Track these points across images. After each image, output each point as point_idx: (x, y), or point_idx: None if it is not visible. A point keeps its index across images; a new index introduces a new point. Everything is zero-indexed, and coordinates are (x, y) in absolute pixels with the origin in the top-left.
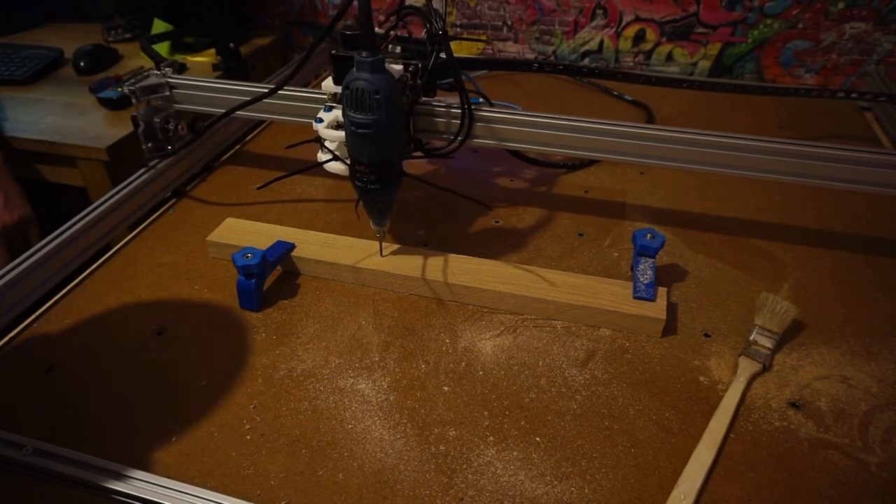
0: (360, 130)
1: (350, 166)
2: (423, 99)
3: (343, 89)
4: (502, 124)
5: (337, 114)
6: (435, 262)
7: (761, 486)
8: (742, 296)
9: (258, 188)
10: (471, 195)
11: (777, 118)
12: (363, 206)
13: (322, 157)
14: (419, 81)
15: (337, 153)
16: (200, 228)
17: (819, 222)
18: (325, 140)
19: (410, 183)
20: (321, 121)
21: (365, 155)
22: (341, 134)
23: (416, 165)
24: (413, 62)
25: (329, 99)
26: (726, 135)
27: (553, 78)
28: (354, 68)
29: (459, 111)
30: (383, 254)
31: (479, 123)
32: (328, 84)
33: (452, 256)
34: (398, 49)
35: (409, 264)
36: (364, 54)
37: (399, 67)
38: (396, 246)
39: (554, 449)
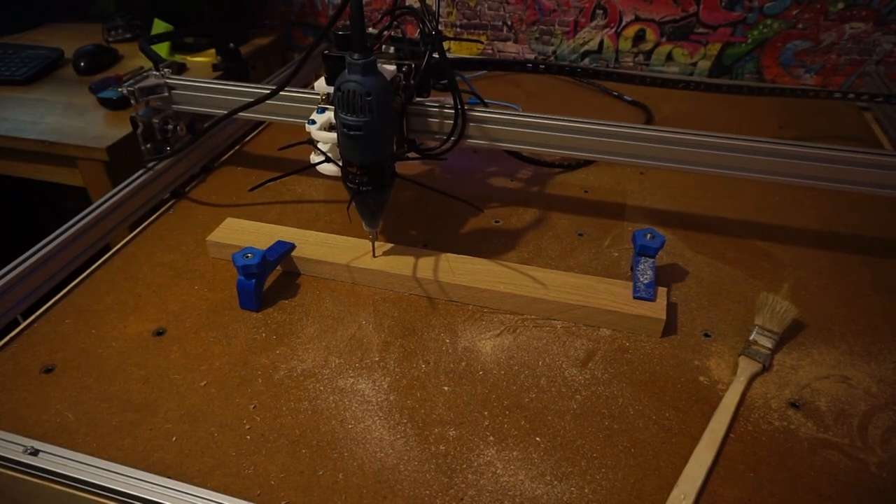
0: (351, 132)
1: (342, 168)
2: (417, 99)
3: (335, 91)
4: (496, 125)
5: (329, 115)
6: (435, 263)
7: (761, 486)
8: (742, 296)
9: (250, 190)
10: (462, 196)
11: (777, 118)
12: (355, 207)
13: (315, 158)
14: (412, 82)
15: (329, 155)
16: (200, 228)
17: (819, 222)
18: (317, 142)
19: (408, 183)
20: (314, 122)
21: (357, 157)
22: (333, 136)
23: (412, 165)
24: (406, 63)
25: (322, 100)
26: (725, 136)
27: (553, 78)
28: (346, 70)
29: (453, 111)
30: (376, 255)
31: (472, 124)
32: (321, 85)
33: (452, 257)
34: (392, 49)
35: (408, 264)
36: (355, 56)
37: (392, 68)
38: (396, 246)
39: (554, 449)
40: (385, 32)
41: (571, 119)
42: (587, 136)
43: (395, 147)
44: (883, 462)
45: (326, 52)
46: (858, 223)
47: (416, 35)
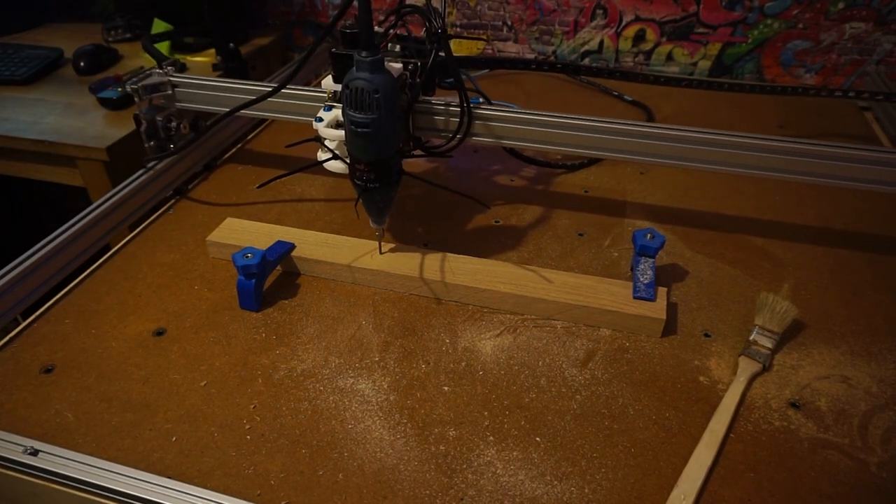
0: (359, 129)
1: (350, 165)
2: (423, 97)
3: (343, 88)
4: (501, 122)
5: (337, 113)
6: (435, 262)
7: (761, 486)
8: (742, 296)
9: (258, 187)
10: (469, 194)
11: (777, 118)
12: (362, 204)
13: (322, 156)
14: (418, 80)
15: (337, 152)
16: (200, 228)
17: (819, 221)
18: (324, 139)
19: (410, 181)
20: (321, 120)
21: (364, 154)
22: (341, 133)
23: (415, 164)
24: (412, 61)
25: (329, 98)
26: (725, 133)
27: (553, 78)
28: (354, 67)
29: (458, 109)
30: (382, 252)
31: (478, 122)
32: (328, 82)
33: (452, 256)
34: (398, 48)
35: (408, 264)
36: (364, 54)
37: (398, 66)
38: (396, 245)
39: (554, 449)
40: (391, 31)
41: (576, 117)
42: (591, 134)
43: (401, 145)
44: (883, 462)
45: (334, 50)
46: (859, 221)
47: (422, 33)
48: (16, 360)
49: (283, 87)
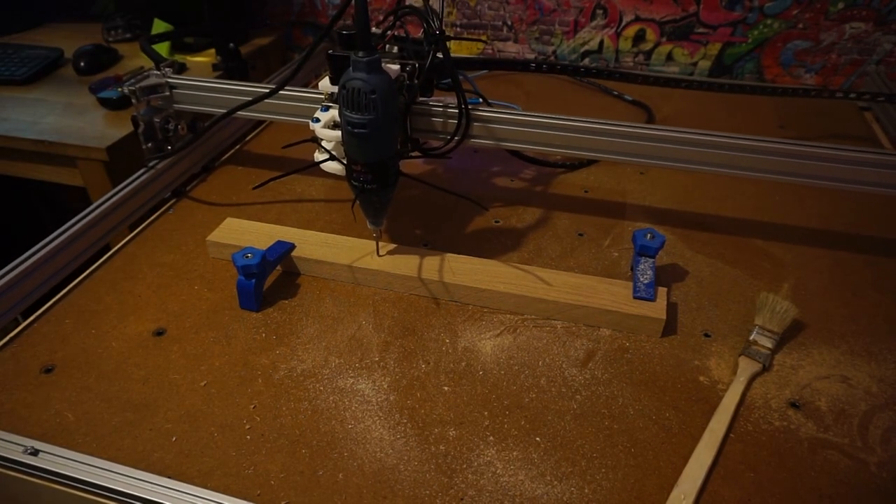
0: (356, 130)
1: (347, 166)
2: (421, 99)
3: (339, 89)
4: (500, 124)
5: (334, 113)
6: (435, 262)
7: (761, 486)
8: (742, 296)
9: (254, 188)
10: (467, 195)
11: (777, 118)
12: (360, 205)
13: (319, 156)
14: (416, 81)
15: (334, 153)
16: (200, 228)
17: (819, 222)
18: (321, 140)
19: (409, 182)
20: (318, 120)
21: (361, 155)
22: (338, 134)
23: (414, 165)
24: (410, 62)
25: (326, 98)
26: (726, 135)
27: (553, 78)
28: (351, 68)
29: (456, 111)
30: (380, 253)
31: (476, 123)
32: (325, 84)
33: (452, 256)
34: (395, 49)
35: (408, 264)
36: (360, 54)
37: (396, 67)
38: (396, 246)
39: (554, 449)
40: (388, 32)
41: (575, 119)
42: (590, 136)
43: (398, 146)
44: (883, 462)
45: (330, 51)
46: (859, 222)
47: (420, 34)
48: (16, 360)
49: (282, 87)
